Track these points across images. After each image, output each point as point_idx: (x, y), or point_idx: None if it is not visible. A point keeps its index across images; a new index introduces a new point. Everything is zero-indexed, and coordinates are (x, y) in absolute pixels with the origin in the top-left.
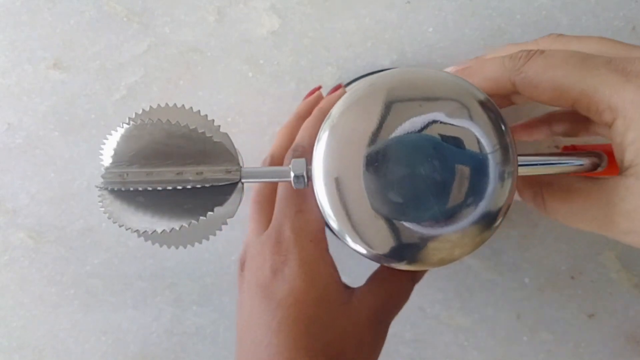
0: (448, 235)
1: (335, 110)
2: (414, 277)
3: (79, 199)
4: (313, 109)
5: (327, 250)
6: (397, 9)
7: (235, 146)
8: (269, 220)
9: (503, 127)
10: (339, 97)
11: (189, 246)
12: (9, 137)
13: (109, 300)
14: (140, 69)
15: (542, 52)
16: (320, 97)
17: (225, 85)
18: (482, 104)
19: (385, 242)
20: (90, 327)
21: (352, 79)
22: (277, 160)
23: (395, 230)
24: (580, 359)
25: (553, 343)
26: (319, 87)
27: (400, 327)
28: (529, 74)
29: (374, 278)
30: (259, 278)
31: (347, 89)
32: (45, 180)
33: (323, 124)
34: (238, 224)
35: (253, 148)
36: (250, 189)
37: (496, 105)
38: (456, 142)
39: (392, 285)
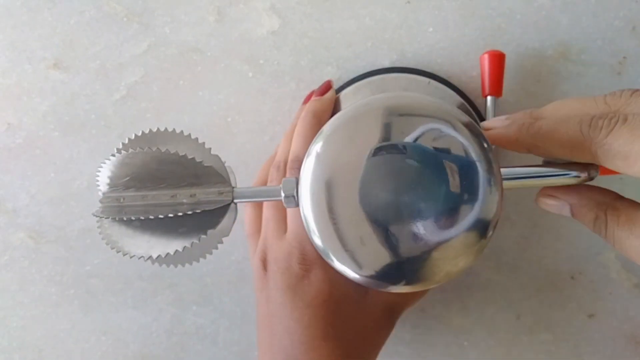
0: (449, 243)
1: (327, 127)
2: None
3: (79, 199)
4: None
5: None
6: (397, 9)
7: (234, 149)
8: (286, 221)
9: (486, 145)
10: (330, 99)
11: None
12: (9, 137)
13: (109, 300)
14: (140, 69)
15: (625, 119)
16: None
17: (225, 85)
18: (466, 125)
19: (380, 260)
20: (90, 327)
21: (350, 78)
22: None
23: (393, 246)
24: (580, 359)
25: (553, 343)
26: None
27: (400, 328)
28: (614, 146)
29: None
30: (286, 281)
31: (342, 95)
32: (45, 180)
33: (315, 138)
34: (236, 225)
35: (253, 148)
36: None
37: (479, 128)
38: (447, 151)
39: None
